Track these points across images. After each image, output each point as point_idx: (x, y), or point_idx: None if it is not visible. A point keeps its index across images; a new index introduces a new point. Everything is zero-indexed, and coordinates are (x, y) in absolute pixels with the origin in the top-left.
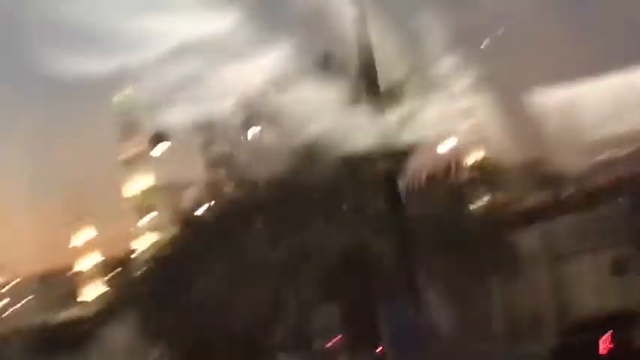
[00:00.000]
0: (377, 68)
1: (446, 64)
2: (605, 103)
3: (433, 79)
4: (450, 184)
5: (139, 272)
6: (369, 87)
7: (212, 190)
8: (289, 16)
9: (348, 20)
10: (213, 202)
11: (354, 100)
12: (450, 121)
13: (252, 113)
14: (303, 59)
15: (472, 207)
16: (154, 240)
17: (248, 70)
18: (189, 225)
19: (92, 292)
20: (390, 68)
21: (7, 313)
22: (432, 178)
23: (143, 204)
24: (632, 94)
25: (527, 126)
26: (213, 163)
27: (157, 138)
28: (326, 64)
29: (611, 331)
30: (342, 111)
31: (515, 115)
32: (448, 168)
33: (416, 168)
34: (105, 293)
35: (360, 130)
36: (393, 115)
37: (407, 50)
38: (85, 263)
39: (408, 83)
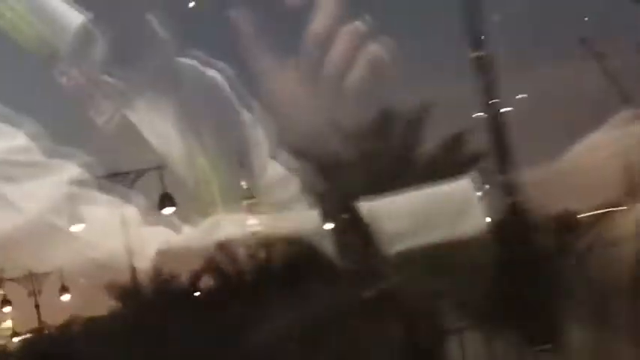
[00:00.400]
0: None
1: (271, 174)
2: (407, 217)
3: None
4: None
5: None
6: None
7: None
8: (87, 131)
9: (156, 136)
10: None
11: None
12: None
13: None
14: (102, 175)
15: None
16: None
17: (43, 186)
18: None
19: None
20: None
21: None
22: None
23: None
24: (436, 208)
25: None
26: None
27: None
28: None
29: None
30: (141, 226)
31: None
32: None
33: None
34: None
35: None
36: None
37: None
38: None
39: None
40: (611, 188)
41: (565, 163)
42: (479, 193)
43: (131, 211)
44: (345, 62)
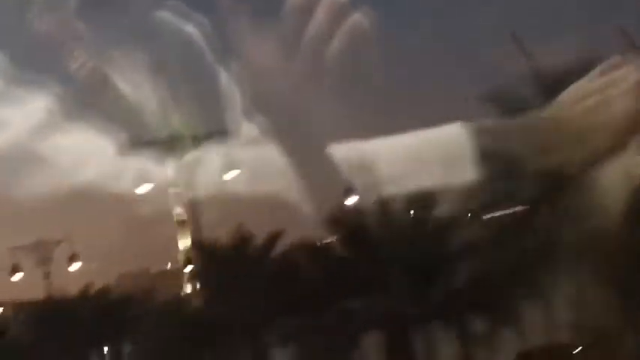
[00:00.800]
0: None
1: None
2: (402, 160)
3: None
4: None
5: None
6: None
7: None
8: (57, 63)
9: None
10: None
11: (130, 148)
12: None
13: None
14: (74, 106)
15: None
16: None
17: (13, 114)
18: None
19: None
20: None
21: None
22: None
23: None
24: (427, 152)
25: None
26: None
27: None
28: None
29: None
30: (114, 157)
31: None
32: None
33: None
34: None
35: (135, 175)
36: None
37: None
38: None
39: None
40: (599, 137)
41: (552, 112)
42: (469, 139)
43: (107, 143)
44: (326, 31)
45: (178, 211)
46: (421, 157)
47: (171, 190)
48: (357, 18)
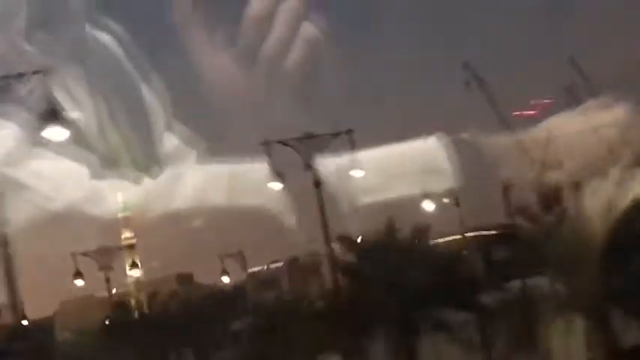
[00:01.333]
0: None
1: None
2: (378, 172)
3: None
4: None
5: None
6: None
7: None
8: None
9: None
10: None
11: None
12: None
13: None
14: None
15: None
16: None
17: None
18: None
19: None
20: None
21: None
22: None
23: None
24: (403, 165)
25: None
26: None
27: None
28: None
29: None
30: (88, 181)
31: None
32: None
33: None
34: None
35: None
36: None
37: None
38: None
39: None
40: (579, 163)
41: (532, 137)
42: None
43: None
44: (282, 43)
45: (127, 234)
46: (399, 168)
47: (120, 215)
48: (310, 29)
